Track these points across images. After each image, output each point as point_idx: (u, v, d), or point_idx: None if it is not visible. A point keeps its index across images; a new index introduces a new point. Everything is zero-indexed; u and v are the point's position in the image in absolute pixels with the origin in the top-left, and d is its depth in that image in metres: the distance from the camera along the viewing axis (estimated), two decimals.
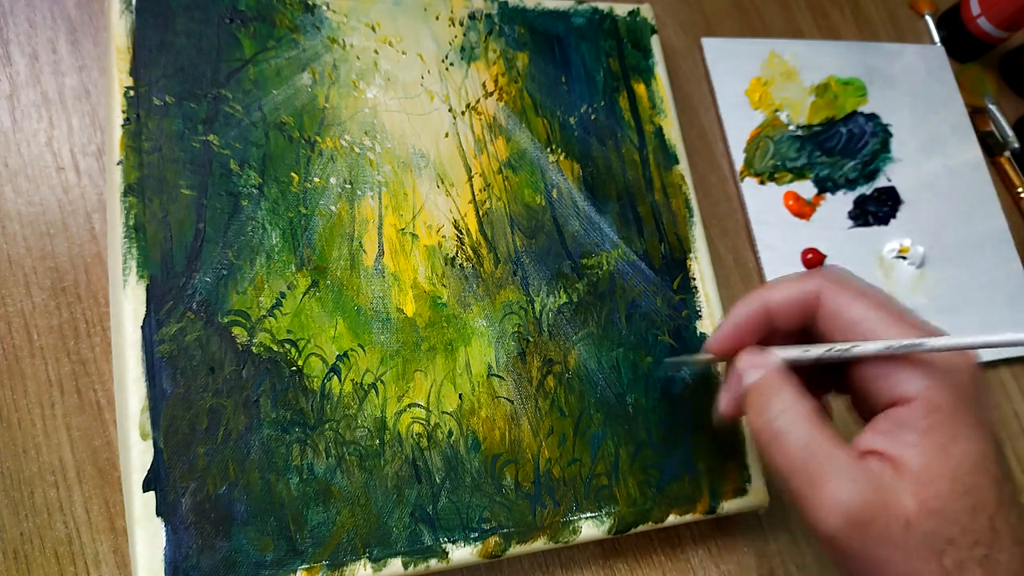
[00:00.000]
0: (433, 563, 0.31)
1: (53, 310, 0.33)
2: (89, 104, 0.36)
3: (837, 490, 0.26)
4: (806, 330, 0.30)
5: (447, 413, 0.33)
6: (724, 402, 0.32)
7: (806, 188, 0.48)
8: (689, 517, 0.36)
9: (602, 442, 0.35)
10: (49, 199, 0.35)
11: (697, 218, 0.42)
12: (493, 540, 0.32)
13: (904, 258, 0.48)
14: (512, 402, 0.35)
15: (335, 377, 0.32)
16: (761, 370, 0.30)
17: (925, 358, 0.27)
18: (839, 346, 0.28)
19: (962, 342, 0.26)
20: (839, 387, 0.32)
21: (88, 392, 0.33)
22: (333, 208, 0.35)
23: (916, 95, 0.54)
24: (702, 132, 0.49)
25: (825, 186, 0.49)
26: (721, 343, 0.32)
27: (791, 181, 0.48)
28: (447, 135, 0.38)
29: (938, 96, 0.54)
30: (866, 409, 0.29)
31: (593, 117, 0.41)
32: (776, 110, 0.50)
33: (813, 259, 0.46)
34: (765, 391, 0.29)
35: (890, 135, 0.52)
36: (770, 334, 0.31)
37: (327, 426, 0.32)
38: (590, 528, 0.34)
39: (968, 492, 0.25)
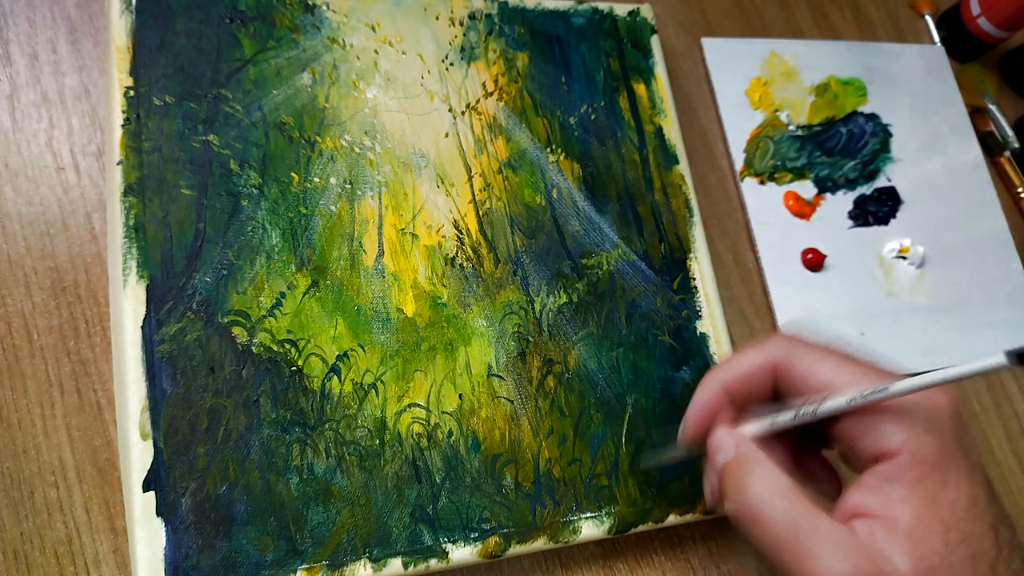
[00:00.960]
0: (433, 563, 0.31)
1: (53, 310, 0.33)
2: (89, 104, 0.36)
3: (828, 565, 0.25)
4: (779, 395, 0.30)
5: (447, 413, 0.33)
6: (708, 493, 0.31)
7: (806, 188, 0.48)
8: (689, 517, 0.36)
9: (602, 442, 0.35)
10: (49, 199, 0.35)
11: (697, 218, 0.42)
12: (493, 540, 0.32)
13: (904, 258, 0.48)
14: (512, 402, 0.35)
15: (335, 377, 0.32)
16: (731, 450, 0.29)
17: (903, 408, 0.26)
18: (804, 411, 0.27)
19: (927, 380, 0.25)
20: (829, 443, 0.31)
21: (88, 392, 0.33)
22: (333, 208, 0.35)
23: (916, 95, 0.53)
24: (702, 132, 0.49)
25: (825, 186, 0.49)
26: (691, 432, 0.31)
27: (791, 181, 0.48)
28: (447, 135, 0.38)
29: (938, 96, 0.54)
30: (853, 464, 0.28)
31: (593, 117, 0.41)
32: (776, 110, 0.50)
33: (813, 259, 0.46)
34: (737, 472, 0.28)
35: (890, 135, 0.52)
36: (742, 410, 0.31)
37: (327, 426, 0.32)
38: (590, 528, 0.34)
39: (964, 541, 0.24)
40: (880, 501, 0.26)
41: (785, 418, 0.28)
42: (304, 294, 0.33)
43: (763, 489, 0.27)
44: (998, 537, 0.25)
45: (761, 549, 0.27)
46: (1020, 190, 0.54)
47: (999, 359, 0.22)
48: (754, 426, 0.29)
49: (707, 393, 0.31)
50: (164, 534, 0.28)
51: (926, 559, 0.24)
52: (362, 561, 0.30)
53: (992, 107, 0.56)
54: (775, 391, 0.30)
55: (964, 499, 0.25)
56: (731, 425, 0.30)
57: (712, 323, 0.40)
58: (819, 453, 0.32)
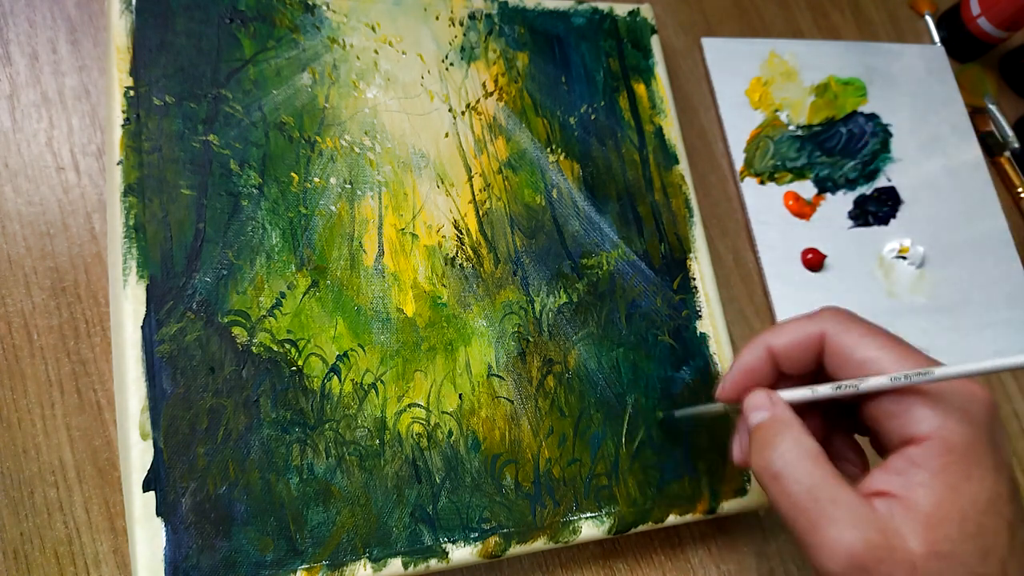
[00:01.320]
0: (433, 563, 0.31)
1: (53, 310, 0.33)
2: (89, 104, 0.36)
3: (840, 532, 0.25)
4: (818, 372, 0.30)
5: (447, 413, 0.33)
6: (736, 450, 0.31)
7: (806, 188, 0.48)
8: (689, 517, 0.36)
9: (602, 442, 0.35)
10: (49, 199, 0.35)
11: (697, 218, 0.42)
12: (493, 540, 0.32)
13: (904, 258, 0.48)
14: (512, 402, 0.35)
15: (335, 377, 0.32)
16: (765, 411, 0.29)
17: (938, 395, 0.26)
18: (847, 383, 0.28)
19: (971, 368, 0.25)
20: (858, 428, 0.31)
21: (88, 392, 0.33)
22: (333, 208, 0.35)
23: (916, 95, 0.53)
24: (702, 132, 0.49)
25: (825, 186, 0.49)
26: (729, 390, 0.31)
27: (791, 181, 0.48)
28: (447, 135, 0.38)
29: (938, 96, 0.54)
30: (882, 448, 0.28)
31: (593, 117, 0.41)
32: (776, 110, 0.50)
33: (813, 259, 0.46)
34: (768, 432, 0.29)
35: (890, 135, 0.52)
36: (781, 377, 0.31)
37: (327, 426, 0.32)
38: (590, 528, 0.34)
39: (979, 534, 0.24)
40: (903, 483, 0.26)
41: (826, 389, 0.28)
42: (304, 294, 0.33)
43: (791, 450, 0.27)
44: (1014, 536, 0.25)
45: (778, 510, 0.28)
46: (1020, 190, 0.54)
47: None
48: (793, 393, 0.30)
49: (752, 353, 0.31)
50: (164, 534, 0.28)
51: (939, 544, 0.24)
52: (362, 561, 0.30)
53: (992, 107, 0.56)
54: (818, 363, 0.30)
55: (986, 492, 0.25)
56: (770, 388, 0.31)
57: (712, 323, 0.40)
58: (850, 435, 0.32)
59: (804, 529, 0.26)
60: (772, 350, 0.30)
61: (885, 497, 0.26)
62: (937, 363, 0.27)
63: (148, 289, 0.31)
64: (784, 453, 0.28)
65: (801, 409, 0.30)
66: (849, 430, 0.32)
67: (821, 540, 0.26)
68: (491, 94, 0.40)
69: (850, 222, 0.49)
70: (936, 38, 0.57)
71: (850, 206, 0.49)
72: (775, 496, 0.28)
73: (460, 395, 0.34)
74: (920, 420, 0.26)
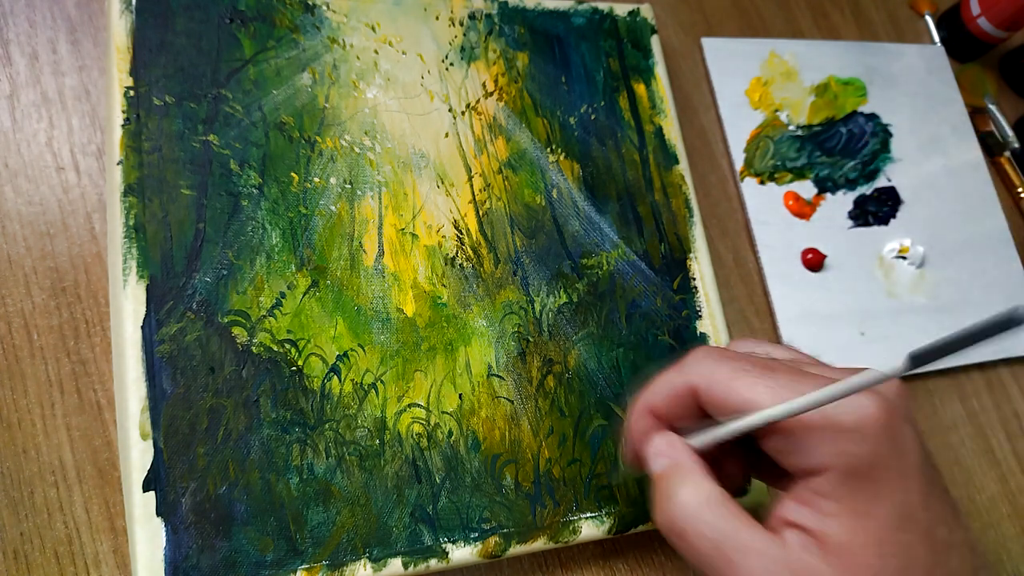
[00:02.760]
0: (433, 563, 0.31)
1: (53, 310, 0.33)
2: (89, 104, 0.36)
3: None
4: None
5: (447, 413, 0.33)
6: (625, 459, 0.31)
7: (806, 188, 0.48)
8: None
9: (602, 442, 0.35)
10: (49, 199, 0.35)
11: (697, 218, 0.42)
12: (493, 540, 0.32)
13: (904, 258, 0.48)
14: (512, 402, 0.35)
15: (335, 377, 0.32)
16: (664, 457, 0.28)
17: (826, 421, 0.25)
18: (727, 426, 0.27)
19: (821, 395, 0.24)
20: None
21: (88, 392, 0.33)
22: (333, 208, 0.35)
23: (916, 95, 0.54)
24: (702, 132, 0.49)
25: (825, 186, 0.49)
26: (628, 459, 0.31)
27: (791, 181, 0.48)
28: (447, 135, 0.38)
29: (938, 96, 0.54)
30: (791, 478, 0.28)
31: (593, 117, 0.41)
32: (776, 110, 0.50)
33: (813, 259, 0.46)
34: (667, 483, 0.28)
35: (890, 135, 0.52)
36: (679, 424, 0.30)
37: (327, 426, 0.32)
38: (590, 528, 0.34)
39: (897, 553, 0.24)
40: (811, 515, 0.25)
41: (712, 435, 0.28)
42: (304, 294, 0.33)
43: (691, 500, 0.26)
44: (934, 542, 0.24)
45: (690, 563, 0.27)
46: (1020, 190, 0.54)
47: (899, 365, 0.21)
48: (694, 439, 0.29)
49: (636, 420, 0.30)
50: (164, 534, 0.28)
51: (856, 573, 0.24)
52: (362, 561, 0.30)
53: (992, 107, 0.56)
54: (703, 410, 0.29)
55: (897, 508, 0.24)
56: (667, 433, 0.30)
57: (712, 323, 0.40)
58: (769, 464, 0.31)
59: None
60: (653, 410, 0.30)
61: (797, 530, 0.25)
62: (810, 387, 0.25)
63: (148, 289, 0.31)
64: (683, 505, 0.26)
65: (718, 452, 0.29)
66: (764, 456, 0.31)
67: None
68: (491, 94, 0.40)
69: (850, 222, 0.49)
70: (936, 38, 0.57)
71: (850, 206, 0.49)
72: (682, 550, 0.27)
73: (460, 395, 0.34)
74: (813, 452, 0.25)
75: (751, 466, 0.31)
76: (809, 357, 0.30)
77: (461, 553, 0.32)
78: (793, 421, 0.25)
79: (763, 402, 0.25)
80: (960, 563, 0.25)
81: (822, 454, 0.25)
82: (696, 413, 0.29)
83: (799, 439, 0.25)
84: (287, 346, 0.32)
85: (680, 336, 0.39)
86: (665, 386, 0.29)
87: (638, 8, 0.45)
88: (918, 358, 0.21)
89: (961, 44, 0.57)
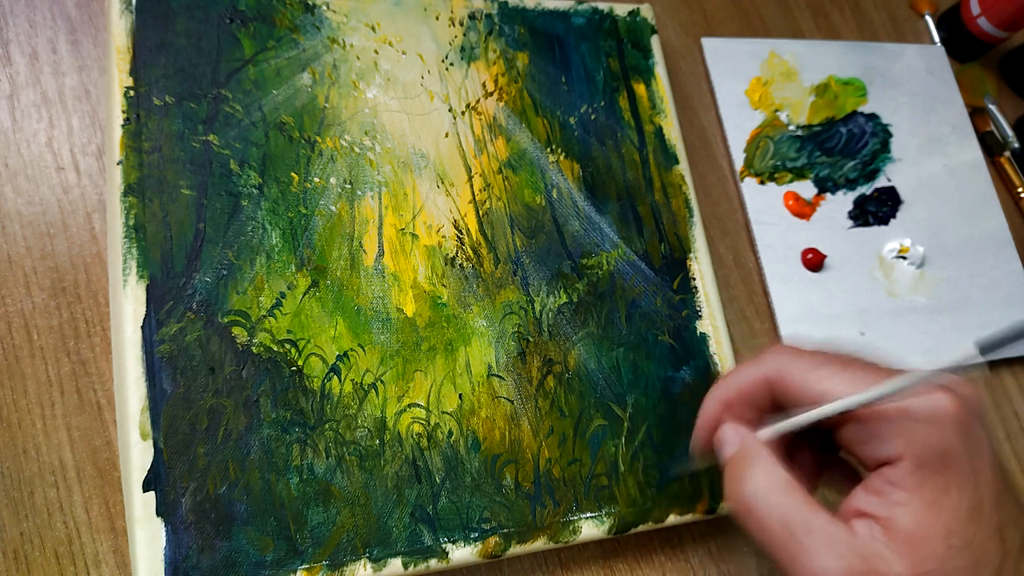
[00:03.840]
0: (433, 563, 0.31)
1: (53, 310, 0.33)
2: (89, 104, 0.36)
3: (819, 563, 0.25)
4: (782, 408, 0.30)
5: (447, 413, 0.33)
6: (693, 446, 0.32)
7: (806, 188, 0.48)
8: (689, 517, 0.36)
9: (602, 442, 0.35)
10: (49, 199, 0.35)
11: (697, 218, 0.42)
12: (493, 540, 0.32)
13: (904, 258, 0.48)
14: (512, 402, 0.35)
15: (335, 377, 0.32)
16: (735, 444, 0.29)
17: (902, 412, 0.25)
18: (802, 415, 0.27)
19: (901, 383, 0.24)
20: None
21: (88, 392, 0.33)
22: (333, 208, 0.35)
23: (916, 95, 0.53)
24: (702, 132, 0.49)
25: (825, 186, 0.49)
26: (698, 450, 0.32)
27: (791, 181, 0.48)
28: (447, 135, 0.38)
29: (938, 96, 0.54)
30: (864, 467, 0.28)
31: (593, 117, 0.41)
32: (776, 110, 0.50)
33: (813, 259, 0.46)
34: (738, 466, 0.28)
35: (890, 135, 0.52)
36: (751, 418, 0.31)
37: (327, 426, 0.32)
38: (590, 528, 0.34)
39: (966, 546, 0.24)
40: (881, 504, 0.25)
41: (787, 424, 0.28)
42: (304, 294, 0.33)
43: (761, 484, 0.27)
44: (1004, 541, 0.24)
45: (758, 545, 0.27)
46: (1020, 190, 0.54)
47: (972, 354, 0.22)
48: (764, 431, 0.29)
49: (709, 411, 0.31)
50: (164, 534, 0.28)
51: (924, 563, 0.24)
52: (362, 561, 0.30)
53: (992, 107, 0.56)
54: (777, 404, 0.29)
55: (967, 502, 0.24)
56: (738, 423, 0.30)
57: (712, 323, 0.40)
58: (838, 457, 0.32)
59: (784, 562, 0.26)
60: (726, 403, 0.30)
61: (866, 519, 0.25)
62: (885, 379, 0.26)
63: (148, 289, 0.31)
64: (755, 486, 0.27)
65: (791, 447, 0.30)
66: (836, 452, 0.31)
67: (803, 572, 0.25)
68: (491, 94, 0.40)
69: (850, 222, 0.49)
70: (936, 38, 0.57)
71: (850, 206, 0.49)
72: (752, 531, 0.27)
73: (460, 395, 0.34)
74: (888, 442, 0.26)
75: (821, 472, 0.32)
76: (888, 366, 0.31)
77: (461, 553, 0.32)
78: (869, 411, 0.26)
79: (839, 392, 0.26)
80: None
81: (896, 443, 0.25)
82: (769, 408, 0.29)
83: (873, 428, 0.26)
84: (287, 346, 0.32)
85: (680, 336, 0.39)
86: (740, 378, 0.30)
87: (638, 8, 0.45)
88: (986, 346, 0.22)
89: (961, 44, 0.57)
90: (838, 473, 0.32)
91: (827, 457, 0.32)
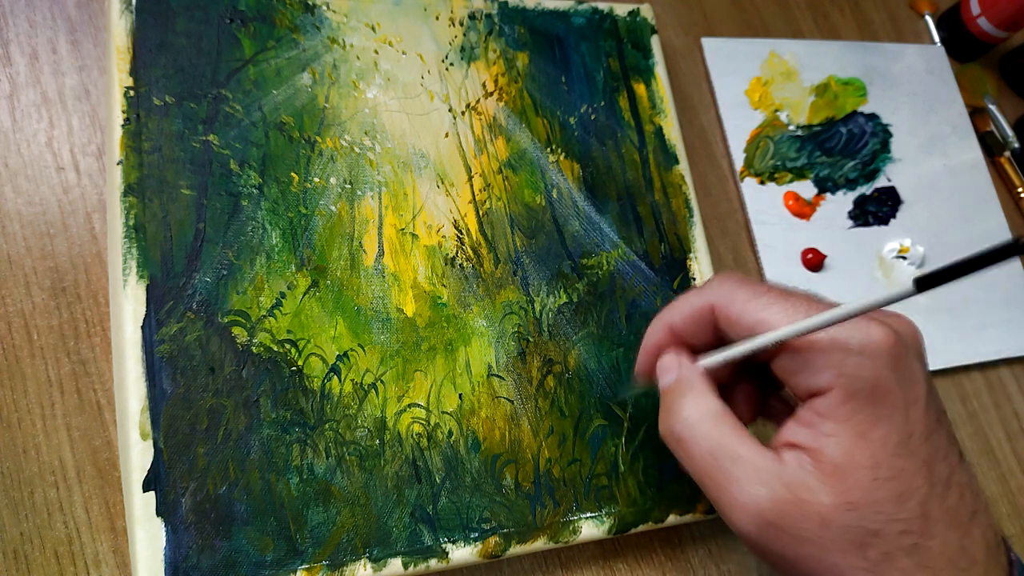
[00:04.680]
0: (433, 563, 0.31)
1: (53, 310, 0.33)
2: (89, 104, 0.36)
3: (745, 491, 0.25)
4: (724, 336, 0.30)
5: (447, 413, 0.33)
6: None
7: (806, 188, 0.48)
8: (689, 517, 0.36)
9: (602, 442, 0.35)
10: (49, 199, 0.35)
11: (697, 218, 0.42)
12: (493, 540, 0.32)
13: (904, 258, 0.48)
14: (512, 402, 0.35)
15: (335, 377, 0.32)
16: (673, 373, 0.30)
17: (834, 344, 0.25)
18: (739, 345, 0.28)
19: (835, 314, 0.24)
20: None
21: (88, 392, 0.33)
22: (333, 208, 0.35)
23: (916, 95, 0.54)
24: (702, 132, 0.49)
25: (825, 186, 0.49)
26: (640, 368, 0.32)
27: (791, 181, 0.48)
28: (447, 135, 0.38)
29: (938, 96, 0.54)
30: (798, 400, 0.28)
31: (593, 117, 0.41)
32: (776, 110, 0.50)
33: (813, 259, 0.46)
34: (672, 395, 0.29)
35: (890, 135, 0.52)
36: (693, 345, 0.31)
37: (327, 426, 0.32)
38: (590, 528, 0.34)
39: (893, 478, 0.24)
40: (810, 434, 0.26)
41: (725, 354, 0.29)
42: (304, 294, 0.33)
43: (691, 413, 0.28)
44: (932, 474, 0.24)
45: (689, 474, 0.28)
46: (1020, 190, 0.54)
47: (907, 287, 0.22)
48: (704, 360, 0.30)
49: (654, 332, 0.31)
50: (164, 534, 0.28)
51: (849, 493, 0.24)
52: (362, 561, 0.30)
53: (992, 107, 0.56)
54: (719, 333, 0.30)
55: (896, 434, 0.24)
56: (679, 351, 0.31)
57: None
58: (779, 392, 0.32)
59: (712, 491, 0.26)
60: (672, 327, 0.31)
61: (796, 449, 0.26)
62: (822, 310, 0.26)
63: (148, 289, 0.31)
64: (686, 415, 0.28)
65: (733, 379, 0.30)
66: (778, 386, 0.32)
67: (729, 500, 0.26)
68: (491, 94, 0.40)
69: (850, 222, 0.49)
70: (936, 38, 0.57)
71: (850, 206, 0.49)
72: (682, 459, 0.28)
73: (460, 395, 0.34)
74: (819, 372, 0.25)
75: (762, 405, 0.32)
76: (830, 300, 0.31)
77: (461, 553, 0.32)
78: (802, 341, 0.26)
79: (776, 322, 0.26)
80: (958, 501, 0.25)
81: (827, 374, 0.25)
82: (712, 335, 0.30)
83: (806, 358, 0.26)
84: (287, 346, 0.32)
85: None
86: (685, 304, 0.30)
87: (638, 8, 0.45)
88: (923, 281, 0.22)
89: (961, 44, 0.57)
90: (779, 408, 0.32)
91: (769, 392, 0.32)
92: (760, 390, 0.32)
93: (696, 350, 0.31)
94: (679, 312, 0.30)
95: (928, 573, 0.24)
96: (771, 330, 0.26)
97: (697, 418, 0.27)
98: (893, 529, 0.24)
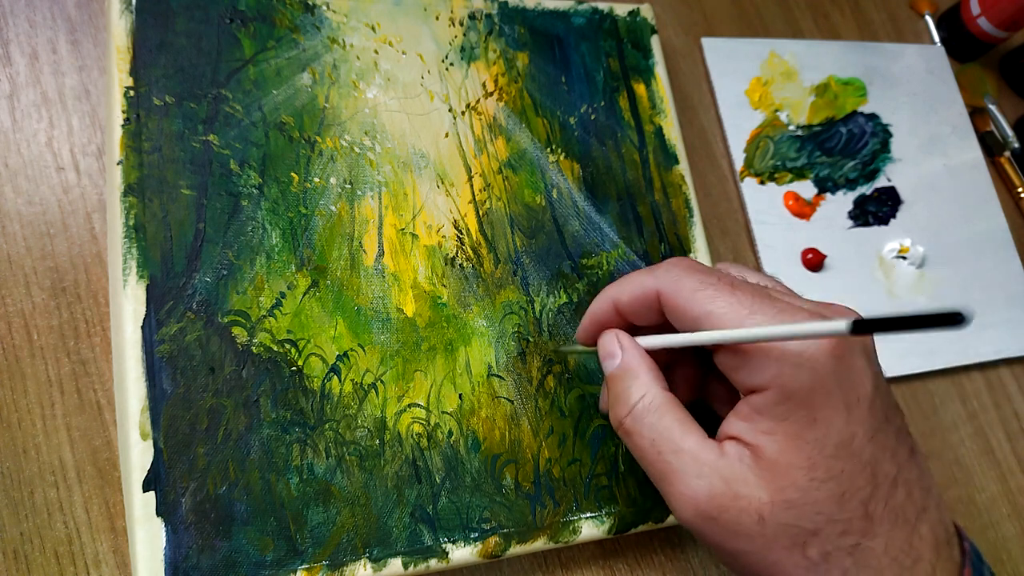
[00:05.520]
0: (433, 563, 0.31)
1: (53, 310, 0.33)
2: (89, 104, 0.36)
3: (685, 483, 0.25)
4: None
5: (447, 413, 0.33)
6: (601, 401, 0.33)
7: (806, 188, 0.48)
8: None
9: (602, 442, 0.35)
10: (49, 199, 0.35)
11: (697, 218, 0.42)
12: (493, 540, 0.32)
13: (904, 258, 0.48)
14: (512, 402, 0.35)
15: (335, 377, 0.32)
16: (616, 359, 0.30)
17: (777, 347, 0.25)
18: (684, 336, 0.28)
19: (768, 332, 0.24)
20: None
21: (88, 392, 0.33)
22: (333, 208, 0.35)
23: (916, 95, 0.54)
24: (702, 132, 0.49)
25: (825, 186, 0.49)
26: (583, 337, 0.33)
27: (791, 181, 0.48)
28: (447, 135, 0.38)
29: (938, 96, 0.54)
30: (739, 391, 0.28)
31: (593, 117, 0.41)
32: (776, 110, 0.50)
33: (813, 259, 0.46)
34: (618, 384, 0.29)
35: (890, 135, 0.52)
36: (637, 329, 0.31)
37: (327, 426, 0.32)
38: (590, 528, 0.34)
39: (831, 479, 0.24)
40: (749, 429, 0.26)
41: (666, 340, 0.29)
42: (304, 294, 0.33)
43: (636, 404, 0.28)
44: (876, 474, 0.25)
45: (639, 463, 0.28)
46: (1020, 190, 0.54)
47: (840, 325, 0.22)
48: (648, 340, 0.30)
49: (600, 305, 0.31)
50: (164, 534, 0.28)
51: (785, 492, 0.24)
52: (362, 561, 0.30)
53: (992, 107, 0.56)
54: (662, 316, 0.29)
55: (835, 436, 0.24)
56: (621, 332, 0.31)
57: None
58: (720, 375, 0.32)
59: (657, 482, 0.27)
60: (617, 304, 0.31)
61: (737, 443, 0.26)
62: (765, 315, 0.25)
63: (148, 289, 0.31)
64: (629, 407, 0.28)
65: (674, 358, 0.30)
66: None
67: (671, 491, 0.26)
68: (491, 94, 0.40)
69: (850, 222, 0.49)
70: (936, 38, 0.57)
71: (850, 206, 0.49)
72: (631, 449, 0.28)
73: (460, 395, 0.34)
74: (757, 371, 0.25)
75: (702, 385, 0.32)
76: (784, 287, 0.30)
77: (461, 553, 0.32)
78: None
79: (719, 316, 0.26)
80: (906, 499, 0.25)
81: (764, 374, 0.25)
82: (656, 317, 0.30)
83: (747, 357, 0.26)
84: (287, 346, 0.32)
85: None
86: (633, 284, 0.30)
87: (638, 8, 0.45)
88: (859, 325, 0.22)
89: (961, 44, 0.57)
90: (719, 391, 0.32)
91: (709, 372, 0.32)
92: (700, 370, 0.32)
93: (639, 329, 0.31)
94: (627, 291, 0.30)
95: (870, 572, 0.24)
96: (715, 325, 0.26)
97: (641, 409, 0.28)
98: (833, 529, 0.24)
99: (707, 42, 0.50)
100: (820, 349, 0.25)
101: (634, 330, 0.31)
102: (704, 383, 0.33)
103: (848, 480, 0.24)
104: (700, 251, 0.41)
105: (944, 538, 0.25)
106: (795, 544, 0.24)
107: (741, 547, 0.25)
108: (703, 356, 0.32)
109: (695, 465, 0.26)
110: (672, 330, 0.29)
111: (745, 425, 0.26)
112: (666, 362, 0.31)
